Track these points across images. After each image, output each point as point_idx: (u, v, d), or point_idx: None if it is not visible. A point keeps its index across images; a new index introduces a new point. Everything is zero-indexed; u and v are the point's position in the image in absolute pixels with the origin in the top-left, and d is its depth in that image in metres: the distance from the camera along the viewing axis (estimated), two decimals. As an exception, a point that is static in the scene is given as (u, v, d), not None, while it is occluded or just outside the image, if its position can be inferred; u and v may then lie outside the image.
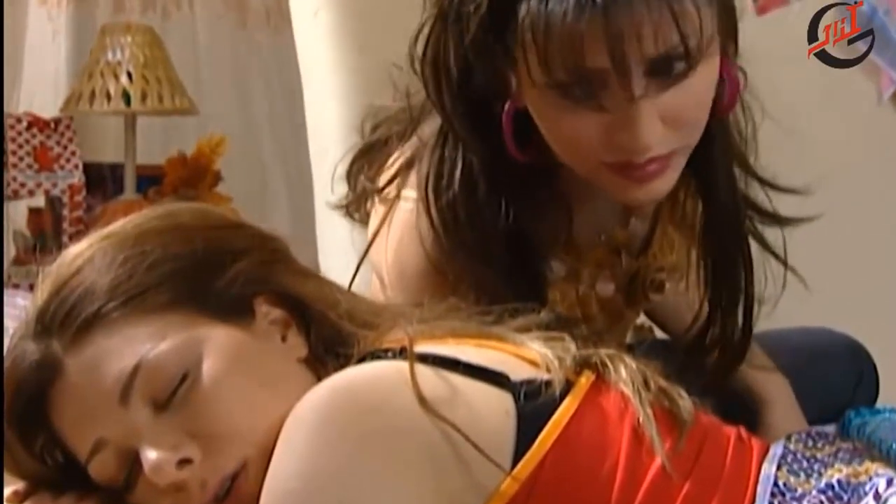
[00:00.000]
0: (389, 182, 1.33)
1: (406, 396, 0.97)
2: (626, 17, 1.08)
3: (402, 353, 1.03)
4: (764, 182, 1.35)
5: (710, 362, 1.37)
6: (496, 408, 1.00)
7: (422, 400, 0.97)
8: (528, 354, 1.06)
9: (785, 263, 1.36)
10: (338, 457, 0.95)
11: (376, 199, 1.38)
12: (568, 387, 1.02)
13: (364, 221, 1.43)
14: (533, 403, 1.00)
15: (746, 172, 1.34)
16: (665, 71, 1.12)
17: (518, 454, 0.98)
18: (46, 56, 3.20)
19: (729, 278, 1.36)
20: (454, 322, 1.13)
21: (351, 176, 1.42)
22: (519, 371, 1.03)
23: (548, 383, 1.02)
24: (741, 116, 1.31)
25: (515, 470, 0.97)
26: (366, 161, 1.40)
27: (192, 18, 3.34)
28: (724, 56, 1.21)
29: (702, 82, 1.16)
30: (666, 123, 1.15)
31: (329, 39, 2.18)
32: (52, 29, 3.20)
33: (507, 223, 1.24)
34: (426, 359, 1.02)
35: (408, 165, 1.32)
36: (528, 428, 0.99)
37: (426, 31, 1.22)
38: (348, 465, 0.95)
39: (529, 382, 1.02)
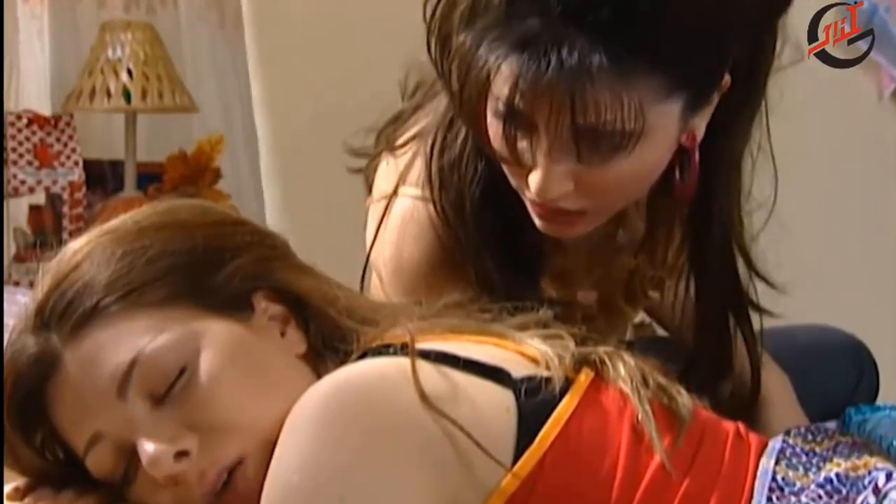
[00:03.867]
0: (404, 144, 1.34)
1: (408, 393, 0.97)
2: (554, 88, 1.08)
3: (403, 349, 1.03)
4: (755, 271, 1.34)
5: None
6: (497, 405, 1.00)
7: (423, 397, 0.97)
8: (527, 351, 1.06)
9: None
10: (340, 452, 0.95)
11: (373, 196, 1.38)
12: (567, 384, 1.02)
13: (371, 181, 1.43)
14: (533, 400, 1.00)
15: (741, 255, 1.33)
16: (591, 144, 1.12)
17: (519, 451, 0.98)
18: (35, 53, 3.21)
19: (718, 349, 1.37)
20: (453, 319, 1.13)
21: (380, 138, 1.42)
22: (519, 368, 1.03)
23: (548, 380, 1.01)
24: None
25: (516, 467, 0.97)
26: (395, 126, 1.40)
27: (176, 15, 3.34)
28: (692, 140, 1.19)
29: (632, 164, 1.14)
30: (580, 187, 1.15)
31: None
32: (38, 26, 3.21)
33: (497, 202, 1.26)
34: (427, 355, 1.02)
35: (420, 134, 1.32)
36: (528, 425, 0.99)
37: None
38: (350, 460, 0.95)
39: (530, 379, 1.02)
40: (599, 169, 1.14)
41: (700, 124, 1.19)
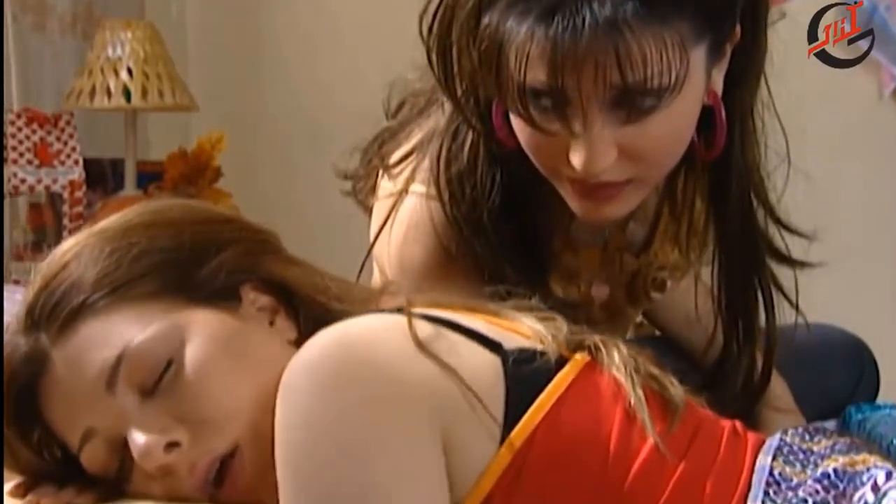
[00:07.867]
0: (400, 161, 1.33)
1: (402, 342, 0.97)
2: (595, 45, 1.07)
3: (398, 312, 1.02)
4: (779, 222, 1.34)
5: (729, 395, 1.35)
6: (489, 370, 0.99)
7: (419, 343, 0.97)
8: (521, 329, 1.05)
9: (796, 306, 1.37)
10: (336, 403, 0.94)
11: (379, 194, 1.37)
12: (563, 362, 1.02)
13: (365, 203, 1.42)
14: (527, 368, 0.99)
15: (763, 208, 1.32)
16: (630, 104, 1.11)
17: (508, 422, 0.97)
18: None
19: (743, 316, 1.36)
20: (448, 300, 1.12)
21: (366, 155, 1.41)
22: (512, 342, 1.02)
23: (541, 353, 1.01)
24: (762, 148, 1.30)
25: (511, 435, 0.96)
26: (382, 141, 1.39)
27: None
28: (715, 98, 1.19)
29: (671, 121, 1.13)
30: (623, 154, 1.14)
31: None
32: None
33: (512, 207, 1.25)
34: (423, 318, 1.01)
35: (418, 149, 1.31)
36: (519, 396, 0.98)
37: (431, 11, 1.20)
38: (347, 411, 0.93)
39: (523, 351, 1.01)
40: (641, 130, 1.12)
41: (718, 80, 1.19)
